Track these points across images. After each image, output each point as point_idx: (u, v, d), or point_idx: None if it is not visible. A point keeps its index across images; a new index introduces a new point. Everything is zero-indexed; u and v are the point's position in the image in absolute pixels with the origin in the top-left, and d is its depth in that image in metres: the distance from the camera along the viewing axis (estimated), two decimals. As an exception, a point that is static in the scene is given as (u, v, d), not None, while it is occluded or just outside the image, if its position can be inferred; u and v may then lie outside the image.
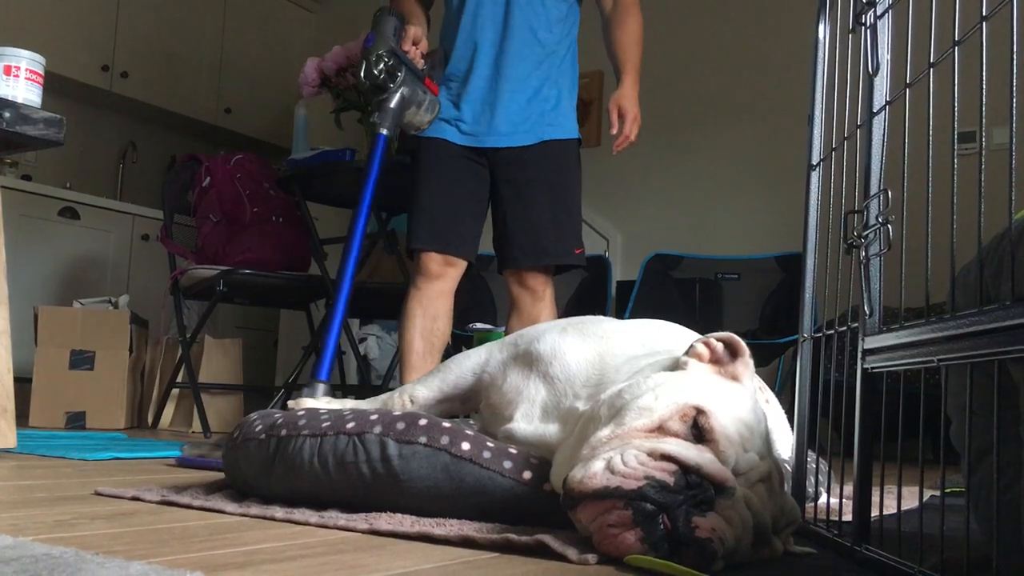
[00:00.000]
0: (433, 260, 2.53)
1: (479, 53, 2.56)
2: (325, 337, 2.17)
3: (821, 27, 1.35)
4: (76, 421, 3.60)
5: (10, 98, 2.01)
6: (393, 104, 2.39)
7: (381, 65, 2.36)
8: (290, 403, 1.77)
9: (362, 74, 2.38)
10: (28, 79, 2.06)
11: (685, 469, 0.92)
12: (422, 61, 2.51)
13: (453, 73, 2.60)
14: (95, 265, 4.75)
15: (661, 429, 0.98)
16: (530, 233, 2.55)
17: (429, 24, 2.71)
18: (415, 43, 2.49)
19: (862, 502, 1.07)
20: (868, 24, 1.13)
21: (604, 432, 1.00)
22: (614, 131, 2.55)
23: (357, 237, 2.26)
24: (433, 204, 2.55)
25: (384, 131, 2.39)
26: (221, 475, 1.55)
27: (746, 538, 0.95)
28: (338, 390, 4.05)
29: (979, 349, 0.82)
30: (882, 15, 1.11)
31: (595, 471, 0.94)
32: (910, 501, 1.42)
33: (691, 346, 1.11)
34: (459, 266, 2.58)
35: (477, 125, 2.56)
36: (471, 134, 2.57)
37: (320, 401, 1.69)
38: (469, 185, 2.58)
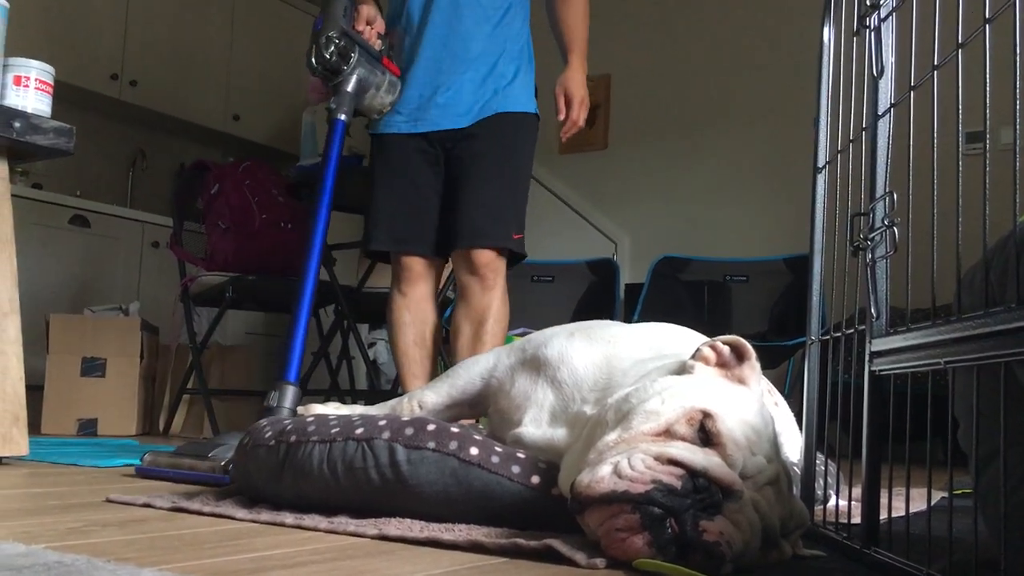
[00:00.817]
0: (416, 262, 2.47)
1: (427, 34, 2.45)
2: (292, 337, 2.00)
3: (826, 30, 1.35)
4: (88, 428, 3.62)
5: (20, 108, 2.03)
6: (350, 88, 2.26)
7: (332, 47, 2.22)
8: (300, 409, 1.78)
9: (312, 59, 2.23)
10: (38, 89, 2.07)
11: (692, 473, 0.93)
12: (379, 42, 2.39)
13: (401, 58, 2.50)
14: (106, 273, 4.77)
15: (668, 433, 0.98)
16: (469, 212, 2.40)
17: (383, 10, 2.58)
18: (369, 23, 2.36)
19: (871, 505, 1.07)
20: (872, 27, 1.13)
21: (611, 436, 1.00)
22: (561, 117, 2.43)
23: (320, 231, 2.14)
24: (391, 205, 2.47)
25: (342, 116, 2.24)
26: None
27: (754, 541, 0.95)
28: (348, 395, 4.06)
29: (985, 351, 0.82)
30: (886, 18, 1.11)
31: (602, 475, 0.94)
32: (919, 503, 1.42)
33: (697, 350, 1.11)
34: (439, 265, 2.52)
35: (428, 109, 2.45)
36: (422, 119, 2.46)
37: (329, 407, 1.70)
38: (427, 179, 2.47)
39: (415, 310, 2.48)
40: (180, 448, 1.90)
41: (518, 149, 2.48)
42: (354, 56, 2.26)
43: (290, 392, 1.90)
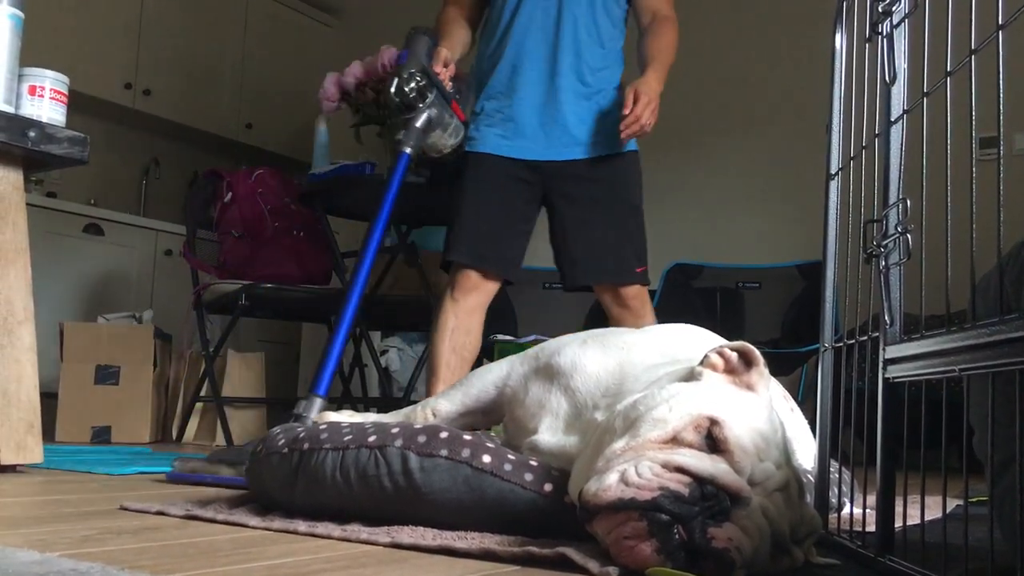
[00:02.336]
0: (472, 275, 2.51)
1: (533, 62, 2.52)
2: (328, 350, 2.07)
3: (838, 36, 1.35)
4: (101, 436, 3.63)
5: (35, 118, 2.04)
6: (419, 124, 2.36)
7: (412, 84, 2.33)
8: (313, 417, 1.79)
9: (392, 90, 2.34)
10: (53, 99, 2.09)
11: (699, 480, 0.92)
12: (450, 84, 2.48)
13: (502, 83, 2.56)
14: (119, 281, 4.80)
15: (675, 440, 0.98)
16: (590, 251, 2.52)
17: (473, 44, 2.70)
18: (445, 65, 2.46)
19: (886, 512, 1.06)
20: (884, 33, 1.13)
21: (618, 444, 1.00)
22: (626, 111, 2.42)
23: (370, 253, 2.20)
24: (477, 221, 2.52)
25: (408, 149, 2.34)
26: (242, 490, 1.56)
27: (764, 548, 0.95)
28: (360, 403, 4.06)
29: (1001, 358, 0.81)
30: (898, 24, 1.11)
31: (609, 483, 0.94)
32: (934, 511, 1.41)
33: (705, 356, 1.11)
34: (497, 282, 2.56)
35: (534, 139, 2.52)
36: (527, 147, 2.53)
37: (342, 415, 1.70)
38: (517, 204, 2.55)
39: (463, 318, 2.51)
40: (214, 454, 1.95)
41: (629, 185, 2.59)
42: (430, 96, 2.36)
43: (316, 404, 1.95)
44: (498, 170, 2.53)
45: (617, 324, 2.53)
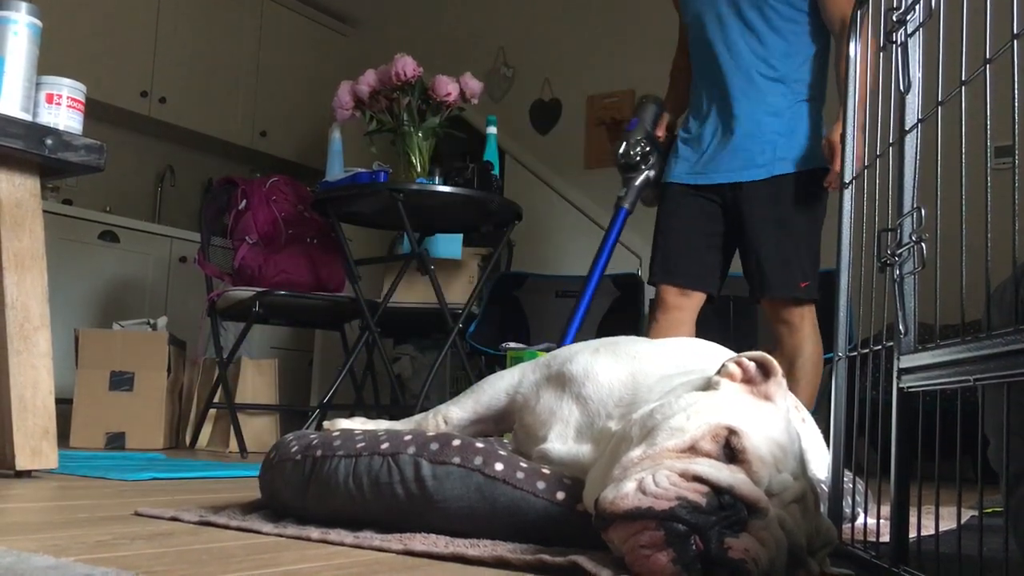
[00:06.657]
0: (668, 292, 2.65)
1: (709, 91, 2.66)
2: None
3: (852, 45, 1.35)
4: (116, 442, 3.65)
5: (52, 125, 2.06)
6: (638, 183, 2.73)
7: (638, 148, 2.70)
8: (325, 424, 1.79)
9: (619, 153, 2.73)
10: (70, 107, 2.11)
11: (717, 490, 0.92)
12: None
13: (689, 112, 2.73)
14: (134, 287, 4.82)
15: (693, 449, 0.97)
16: (757, 268, 2.62)
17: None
18: (669, 131, 2.78)
19: (900, 523, 1.05)
20: (899, 42, 1.12)
21: (636, 452, 1.00)
22: (826, 156, 2.53)
23: (590, 290, 2.63)
24: (665, 242, 2.69)
25: (626, 206, 2.72)
26: (257, 495, 1.56)
27: (780, 559, 0.94)
28: (372, 410, 4.07)
29: (1016, 368, 0.81)
30: (913, 33, 1.11)
31: (626, 492, 0.94)
32: (949, 522, 1.40)
33: (723, 365, 1.10)
34: (695, 298, 2.67)
35: (708, 164, 2.65)
36: (702, 172, 2.66)
37: (355, 422, 1.70)
38: (699, 222, 2.68)
39: (663, 336, 2.56)
40: None
41: (798, 205, 2.61)
42: (652, 159, 2.74)
43: None
44: (683, 196, 2.69)
45: (776, 336, 2.64)
